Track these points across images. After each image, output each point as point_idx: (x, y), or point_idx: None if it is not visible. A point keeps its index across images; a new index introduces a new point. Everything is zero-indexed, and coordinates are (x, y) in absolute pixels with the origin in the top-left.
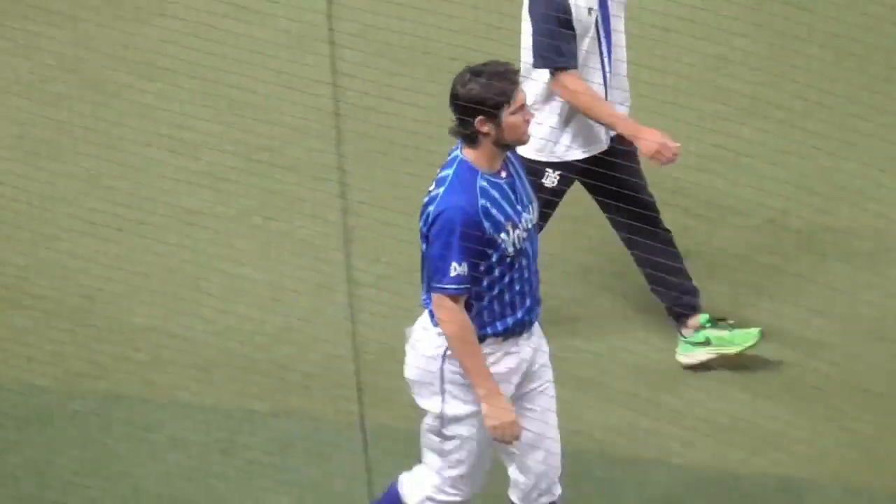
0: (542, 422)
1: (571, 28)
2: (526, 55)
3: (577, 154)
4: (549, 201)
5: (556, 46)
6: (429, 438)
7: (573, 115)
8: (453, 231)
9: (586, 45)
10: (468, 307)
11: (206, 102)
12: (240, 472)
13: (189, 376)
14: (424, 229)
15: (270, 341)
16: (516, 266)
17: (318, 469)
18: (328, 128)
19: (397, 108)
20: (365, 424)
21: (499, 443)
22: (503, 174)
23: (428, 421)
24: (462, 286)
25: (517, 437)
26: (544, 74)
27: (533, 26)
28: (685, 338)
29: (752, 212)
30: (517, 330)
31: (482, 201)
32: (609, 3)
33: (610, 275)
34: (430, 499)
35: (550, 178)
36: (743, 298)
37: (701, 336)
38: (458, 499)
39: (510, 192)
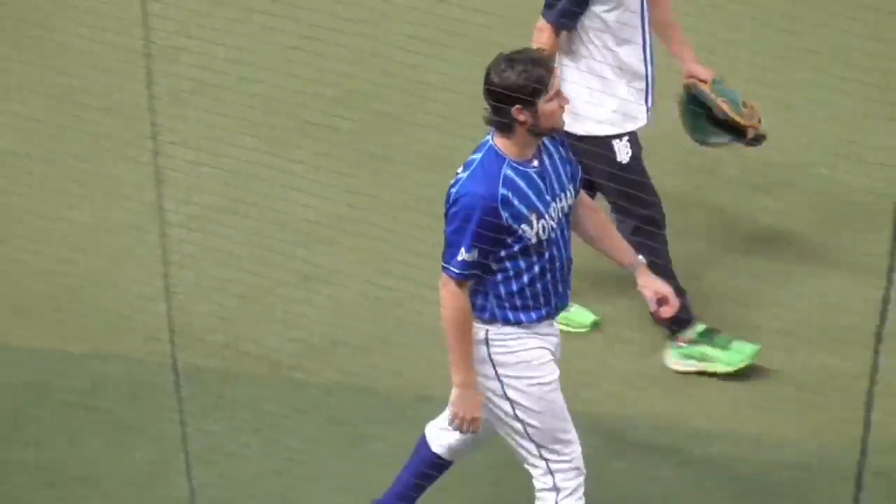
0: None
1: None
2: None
3: (634, 124)
4: (637, 169)
5: (564, 6)
6: (514, 429)
7: (621, 79)
8: (468, 218)
9: (618, 15)
10: (490, 290)
11: (16, 45)
12: (54, 412)
13: (2, 318)
14: (445, 207)
15: (83, 282)
16: (545, 256)
17: (131, 408)
18: (138, 68)
19: (207, 49)
20: (177, 364)
21: (452, 427)
22: (534, 162)
23: (500, 413)
24: (465, 272)
25: (474, 430)
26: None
27: None
28: (680, 348)
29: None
30: (549, 316)
31: (503, 190)
32: None
33: None
34: (556, 488)
35: (622, 150)
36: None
37: (697, 351)
38: (571, 462)
39: (539, 181)
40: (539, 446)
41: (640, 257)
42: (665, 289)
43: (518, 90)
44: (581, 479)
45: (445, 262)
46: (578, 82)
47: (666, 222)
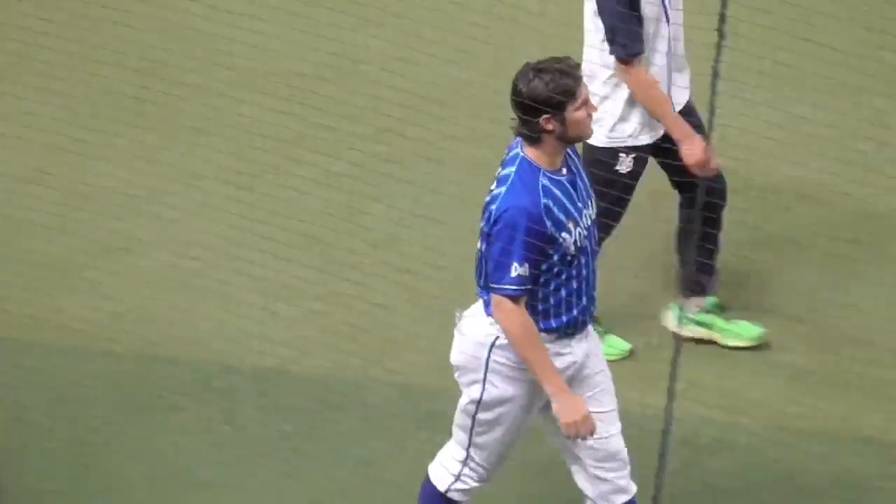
0: (604, 418)
1: (639, 12)
2: (589, 51)
3: (648, 137)
4: (626, 186)
5: (630, 34)
6: (462, 419)
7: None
8: (516, 231)
9: (653, 27)
10: (529, 304)
11: None
12: None
13: None
14: (486, 228)
15: None
16: (575, 263)
17: None
18: None
19: (13, 19)
20: None
21: (575, 439)
22: (564, 171)
23: (464, 402)
24: (522, 287)
25: (592, 432)
26: (608, 63)
27: (604, 15)
28: (688, 311)
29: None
30: (570, 330)
31: (545, 200)
32: None
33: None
34: (457, 478)
35: (625, 164)
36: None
37: (705, 318)
38: (479, 482)
39: (571, 190)
40: (472, 444)
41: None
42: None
43: (546, 100)
44: (480, 486)
45: (497, 283)
46: (609, 96)
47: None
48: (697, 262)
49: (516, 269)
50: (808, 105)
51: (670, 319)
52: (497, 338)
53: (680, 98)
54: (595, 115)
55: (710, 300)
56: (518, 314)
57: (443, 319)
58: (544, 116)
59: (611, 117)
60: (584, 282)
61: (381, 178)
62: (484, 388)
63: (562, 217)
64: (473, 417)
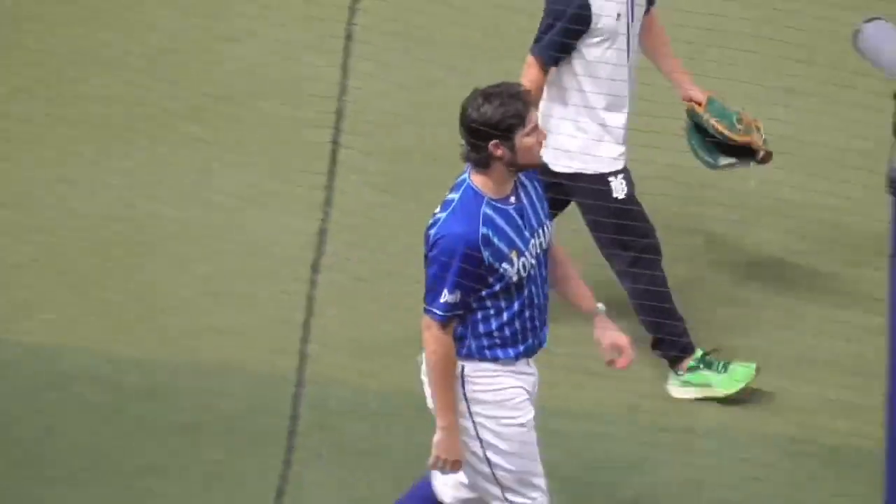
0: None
1: (577, 31)
2: (549, 90)
3: (622, 162)
4: (628, 211)
5: (556, 43)
6: (480, 472)
7: (604, 119)
8: (450, 259)
9: (612, 55)
10: (470, 328)
11: None
12: None
13: None
14: (425, 251)
15: None
16: (525, 293)
17: None
18: None
19: None
20: None
21: (432, 469)
22: (512, 199)
23: (470, 454)
24: (449, 314)
25: (454, 472)
26: (565, 84)
27: (547, 15)
28: (680, 375)
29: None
30: (528, 354)
31: (484, 230)
32: (634, 9)
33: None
34: None
35: (618, 187)
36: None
37: (698, 378)
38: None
39: (517, 219)
40: (505, 489)
41: (600, 305)
42: (622, 340)
43: (496, 125)
44: None
45: (428, 305)
46: (568, 118)
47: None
48: (664, 329)
49: (445, 296)
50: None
51: (672, 388)
52: (463, 368)
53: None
54: (571, 147)
55: (696, 355)
56: (442, 340)
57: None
58: (493, 142)
59: (590, 143)
60: (537, 308)
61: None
62: (474, 422)
63: (503, 247)
64: (488, 461)
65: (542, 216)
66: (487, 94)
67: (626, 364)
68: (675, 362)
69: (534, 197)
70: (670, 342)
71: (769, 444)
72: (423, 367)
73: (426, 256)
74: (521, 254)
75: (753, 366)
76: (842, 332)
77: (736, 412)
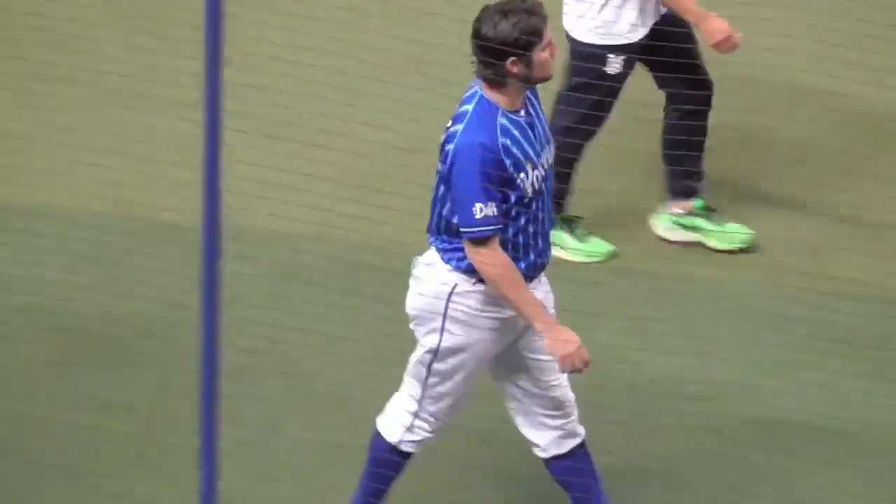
0: (549, 367)
1: None
2: None
3: (640, 32)
4: (611, 89)
5: None
6: (417, 369)
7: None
8: (475, 169)
9: None
10: None
11: None
12: None
13: None
14: (444, 169)
15: None
16: (533, 207)
17: None
18: None
19: None
20: None
21: (572, 372)
22: (523, 113)
23: (419, 353)
24: (491, 227)
25: (587, 363)
26: None
27: None
28: (675, 215)
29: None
30: (530, 273)
31: (502, 139)
32: None
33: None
34: (408, 429)
35: (614, 65)
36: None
37: (691, 221)
38: (431, 432)
39: (529, 132)
40: (427, 397)
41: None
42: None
43: (514, 42)
44: (433, 436)
45: (465, 226)
46: None
47: (709, 99)
48: (684, 165)
49: (482, 210)
50: None
51: (658, 225)
52: (456, 285)
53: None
54: (586, 13)
55: (697, 203)
56: (494, 255)
57: None
58: (511, 59)
59: (605, 14)
60: (542, 224)
61: None
62: (441, 337)
63: (520, 157)
64: (429, 367)
65: (548, 132)
66: (504, 11)
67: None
68: (677, 198)
69: (539, 111)
70: (681, 177)
71: None
72: (416, 270)
73: (446, 177)
74: (535, 166)
75: (752, 232)
76: None
77: None
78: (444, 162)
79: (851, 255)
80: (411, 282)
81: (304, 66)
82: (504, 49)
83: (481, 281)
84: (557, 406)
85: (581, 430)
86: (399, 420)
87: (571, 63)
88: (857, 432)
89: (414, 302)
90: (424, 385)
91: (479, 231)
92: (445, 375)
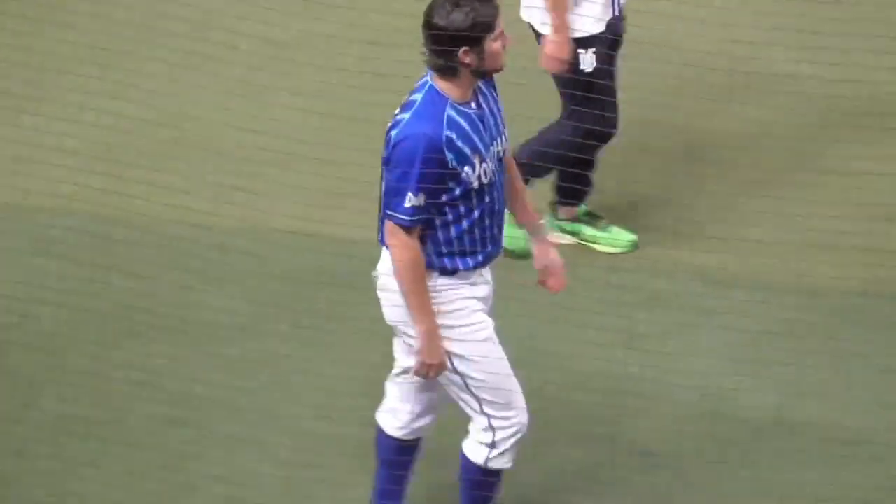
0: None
1: None
2: None
3: (601, 26)
4: (596, 85)
5: None
6: (453, 381)
7: None
8: (413, 160)
9: None
10: (428, 238)
11: None
12: None
13: None
14: (385, 154)
15: None
16: (485, 200)
17: None
18: None
19: None
20: None
21: (417, 375)
22: (473, 104)
23: (448, 375)
24: (415, 217)
25: (436, 377)
26: None
27: None
28: (558, 220)
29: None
30: (486, 262)
31: (448, 132)
32: None
33: None
34: (492, 446)
35: (587, 60)
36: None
37: (574, 227)
38: (513, 435)
39: (479, 123)
40: (480, 401)
41: (542, 221)
42: (557, 263)
43: (467, 31)
44: (520, 437)
45: (391, 210)
46: None
47: (612, 140)
48: (572, 171)
49: (411, 200)
50: None
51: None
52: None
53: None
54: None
55: (581, 209)
56: (409, 246)
57: None
58: (463, 49)
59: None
60: (497, 217)
61: None
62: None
63: (466, 150)
64: (456, 371)
65: (501, 124)
66: (455, 2)
67: (558, 288)
68: (563, 203)
69: (492, 104)
70: (567, 188)
71: None
72: (379, 283)
73: (386, 159)
74: (483, 159)
75: (635, 236)
76: None
77: None
78: (386, 146)
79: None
80: (379, 295)
81: (54, 40)
82: (455, 38)
83: (445, 271)
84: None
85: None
86: (481, 440)
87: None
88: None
89: (391, 314)
90: (470, 391)
91: (404, 219)
92: (474, 366)
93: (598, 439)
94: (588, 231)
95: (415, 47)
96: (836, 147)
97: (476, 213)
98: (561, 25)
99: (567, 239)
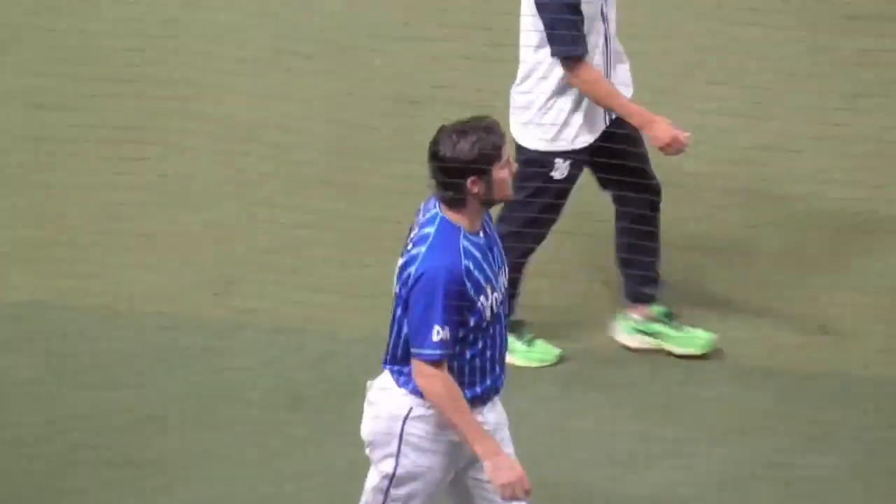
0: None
1: (580, 13)
2: (527, 51)
3: (587, 139)
4: (560, 190)
5: (572, 35)
6: (374, 497)
7: (580, 102)
8: (436, 293)
9: (589, 26)
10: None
11: None
12: None
13: None
14: (403, 292)
15: None
16: (490, 331)
17: None
18: None
19: None
20: None
21: (513, 501)
22: (481, 234)
23: (374, 479)
24: (445, 351)
25: (528, 491)
26: (550, 63)
27: (544, 16)
28: (634, 321)
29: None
30: (484, 397)
31: (465, 261)
32: None
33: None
34: None
35: (560, 169)
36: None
37: (651, 327)
38: None
39: (488, 253)
40: None
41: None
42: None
43: (474, 161)
44: None
45: (419, 348)
46: (545, 93)
47: (657, 204)
48: (639, 269)
49: (438, 333)
50: None
51: (618, 330)
52: (411, 409)
53: (624, 93)
54: (532, 119)
55: (657, 308)
56: (442, 378)
57: None
58: (471, 179)
59: (551, 124)
60: (498, 349)
61: None
62: (397, 463)
63: (481, 280)
64: (386, 494)
65: (503, 254)
66: (461, 131)
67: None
68: (636, 305)
69: (494, 233)
70: (639, 284)
71: None
72: (369, 394)
73: (405, 298)
74: (494, 288)
75: (713, 335)
76: None
77: None
78: (404, 285)
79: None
80: (365, 406)
81: None
82: (462, 168)
83: None
84: None
85: None
86: None
87: (519, 168)
88: None
89: (369, 426)
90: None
91: (434, 354)
92: (404, 501)
93: None
94: (666, 330)
95: None
96: None
97: (479, 344)
98: (633, 110)
99: (646, 342)
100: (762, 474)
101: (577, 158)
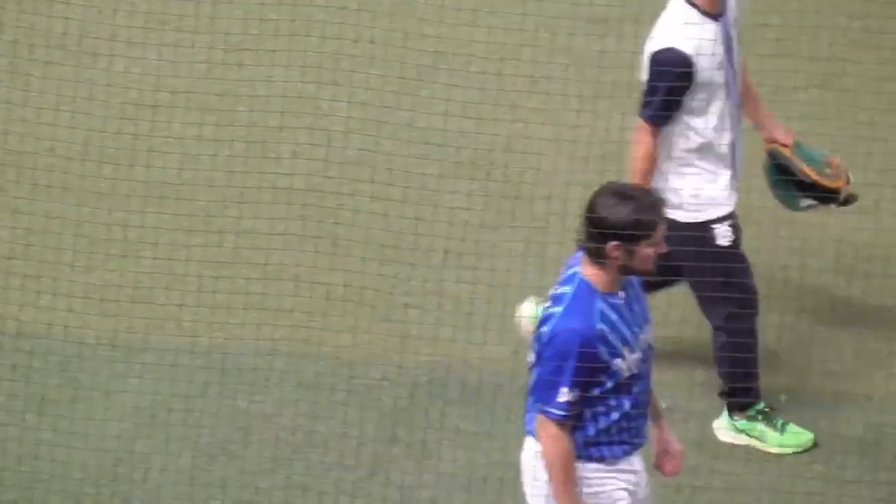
0: None
1: (682, 90)
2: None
3: (735, 197)
4: (733, 255)
5: (658, 101)
6: None
7: (720, 163)
8: (568, 356)
9: (717, 106)
10: (578, 429)
11: None
12: None
13: None
14: (538, 347)
15: None
16: (634, 390)
17: None
18: None
19: None
20: None
21: None
22: (621, 294)
23: None
24: (569, 413)
25: None
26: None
27: (648, 78)
28: (735, 420)
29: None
30: (631, 452)
31: (600, 325)
32: (733, 55)
33: None
34: None
35: (724, 234)
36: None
37: (751, 427)
38: None
39: (627, 314)
40: None
41: (663, 404)
42: (674, 448)
43: (622, 229)
44: None
45: (545, 405)
46: (673, 169)
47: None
48: (736, 371)
49: (565, 395)
50: None
51: (721, 432)
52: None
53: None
54: (676, 188)
55: (758, 406)
56: (561, 440)
57: None
58: (613, 243)
59: (693, 190)
60: (643, 407)
61: None
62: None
63: (617, 343)
64: None
65: (646, 312)
66: (624, 196)
67: (672, 472)
68: (736, 408)
69: (638, 292)
70: (742, 391)
71: None
72: (525, 468)
73: (539, 353)
74: (632, 350)
75: (812, 435)
76: None
77: None
78: (538, 340)
79: None
80: (525, 480)
81: None
82: (612, 232)
83: (591, 459)
84: None
85: None
86: None
87: (680, 250)
88: None
89: (536, 501)
90: None
91: (558, 414)
92: None
93: None
94: (765, 430)
95: None
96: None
97: (627, 404)
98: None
99: (744, 440)
100: None
101: (734, 220)
